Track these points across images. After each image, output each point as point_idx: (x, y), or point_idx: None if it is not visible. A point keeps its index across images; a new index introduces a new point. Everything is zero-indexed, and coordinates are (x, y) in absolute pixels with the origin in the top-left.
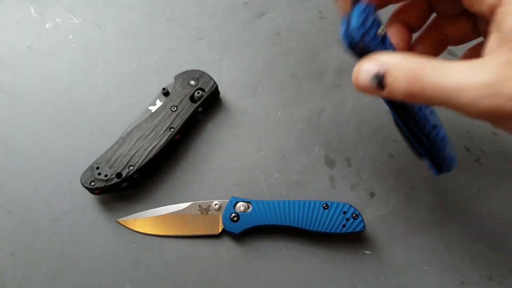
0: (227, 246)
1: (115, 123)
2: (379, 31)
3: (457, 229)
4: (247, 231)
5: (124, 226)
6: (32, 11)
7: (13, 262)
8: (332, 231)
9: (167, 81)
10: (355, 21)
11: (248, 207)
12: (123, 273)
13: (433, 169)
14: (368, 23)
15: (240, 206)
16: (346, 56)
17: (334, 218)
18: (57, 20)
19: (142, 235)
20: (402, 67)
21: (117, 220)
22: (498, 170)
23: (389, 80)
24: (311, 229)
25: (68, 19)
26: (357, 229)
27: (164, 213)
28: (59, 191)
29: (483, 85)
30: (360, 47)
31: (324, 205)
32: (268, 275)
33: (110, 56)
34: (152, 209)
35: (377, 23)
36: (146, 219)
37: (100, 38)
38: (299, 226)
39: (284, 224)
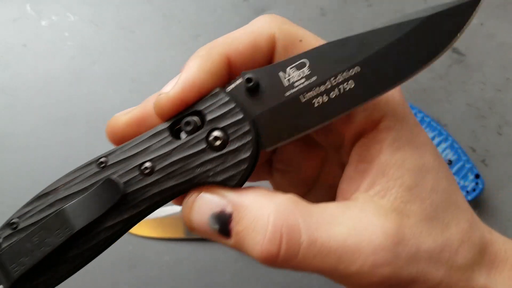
0: (225, 249)
1: None
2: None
3: None
4: None
5: None
6: (28, 8)
7: None
8: None
9: (166, 79)
10: None
11: None
12: (119, 276)
13: None
14: None
15: None
16: None
17: None
18: (53, 17)
19: (139, 237)
20: (261, 212)
21: None
22: (504, 170)
23: (237, 229)
24: None
25: (64, 17)
26: None
27: (161, 215)
28: None
29: (381, 247)
30: None
31: None
32: (268, 279)
33: (107, 54)
34: None
35: None
36: (143, 222)
37: (97, 36)
38: None
39: None
